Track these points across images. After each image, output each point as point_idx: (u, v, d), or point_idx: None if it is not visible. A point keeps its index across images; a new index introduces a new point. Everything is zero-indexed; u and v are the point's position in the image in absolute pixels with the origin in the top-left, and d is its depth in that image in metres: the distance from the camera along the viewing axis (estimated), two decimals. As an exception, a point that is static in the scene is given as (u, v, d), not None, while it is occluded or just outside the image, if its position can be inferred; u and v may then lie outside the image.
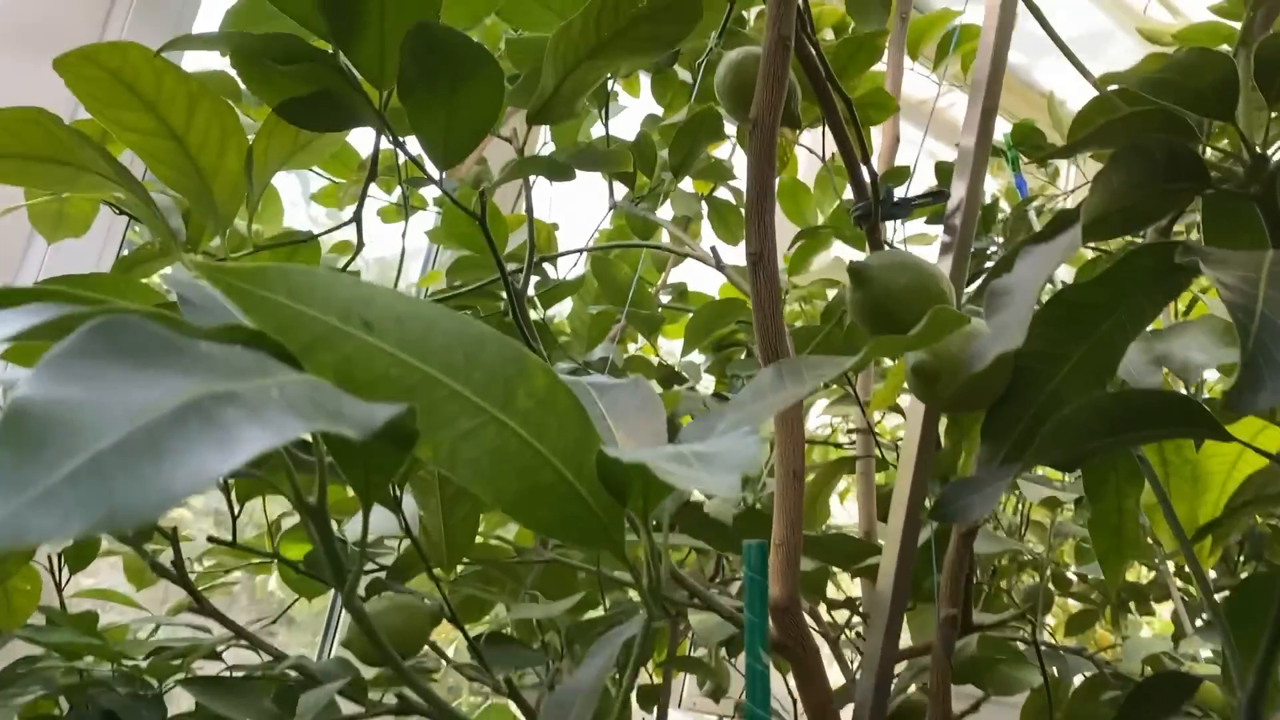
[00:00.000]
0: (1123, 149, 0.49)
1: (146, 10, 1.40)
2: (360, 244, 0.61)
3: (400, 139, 0.60)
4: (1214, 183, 0.55)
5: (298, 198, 1.90)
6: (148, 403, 0.22)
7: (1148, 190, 0.52)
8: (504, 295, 1.03)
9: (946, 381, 0.60)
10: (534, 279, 1.08)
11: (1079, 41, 0.98)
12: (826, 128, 0.81)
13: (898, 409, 1.28)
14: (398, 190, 1.35)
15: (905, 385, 0.77)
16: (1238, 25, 1.34)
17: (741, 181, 1.36)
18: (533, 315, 1.19)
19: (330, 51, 0.56)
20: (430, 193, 1.30)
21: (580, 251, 1.02)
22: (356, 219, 0.60)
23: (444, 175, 0.57)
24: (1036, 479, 1.06)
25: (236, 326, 0.30)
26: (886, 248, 0.72)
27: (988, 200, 1.45)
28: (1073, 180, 1.98)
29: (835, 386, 1.14)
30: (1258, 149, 0.55)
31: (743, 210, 1.48)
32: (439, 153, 0.54)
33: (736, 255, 1.62)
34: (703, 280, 1.76)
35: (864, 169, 0.69)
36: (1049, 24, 0.57)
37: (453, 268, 0.95)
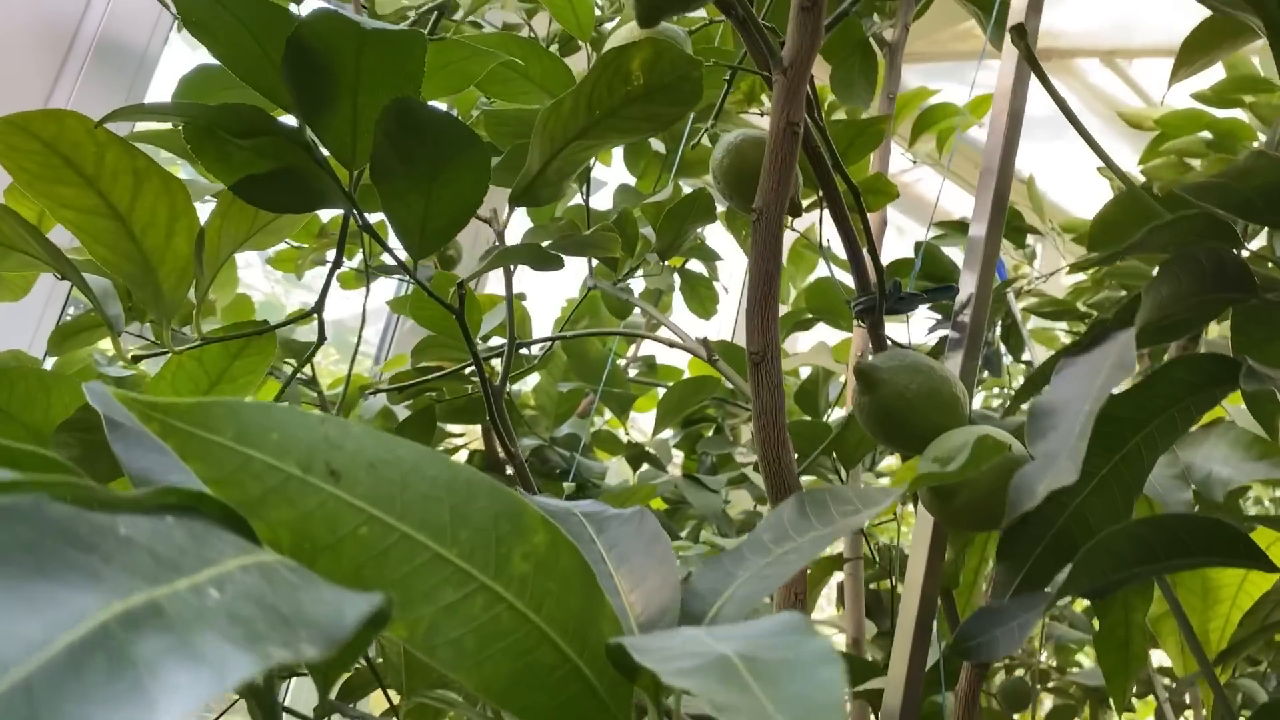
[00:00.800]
0: (1172, 259, 0.45)
1: (97, 76, 1.33)
2: (321, 338, 0.54)
3: (370, 222, 0.54)
4: (1258, 291, 0.51)
5: (254, 258, 1.83)
6: (31, 640, 0.16)
7: (1192, 300, 0.48)
8: (471, 376, 0.98)
9: (966, 499, 0.55)
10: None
11: (1049, 122, 0.94)
12: (824, 212, 0.76)
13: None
14: (359, 254, 1.29)
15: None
16: (1219, 113, 1.33)
17: (725, 264, 1.33)
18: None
19: (295, 125, 0.50)
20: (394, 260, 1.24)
21: (555, 339, 0.96)
22: (318, 310, 0.54)
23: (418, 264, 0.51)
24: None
25: (167, 489, 0.23)
26: (890, 344, 0.67)
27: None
28: (1044, 262, 1.96)
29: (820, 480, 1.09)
30: (1305, 258, 0.51)
31: (716, 284, 1.45)
32: (414, 242, 0.48)
33: (706, 329, 1.57)
34: (671, 352, 1.72)
35: (868, 260, 0.65)
36: (1070, 110, 0.53)
37: (418, 348, 0.89)
